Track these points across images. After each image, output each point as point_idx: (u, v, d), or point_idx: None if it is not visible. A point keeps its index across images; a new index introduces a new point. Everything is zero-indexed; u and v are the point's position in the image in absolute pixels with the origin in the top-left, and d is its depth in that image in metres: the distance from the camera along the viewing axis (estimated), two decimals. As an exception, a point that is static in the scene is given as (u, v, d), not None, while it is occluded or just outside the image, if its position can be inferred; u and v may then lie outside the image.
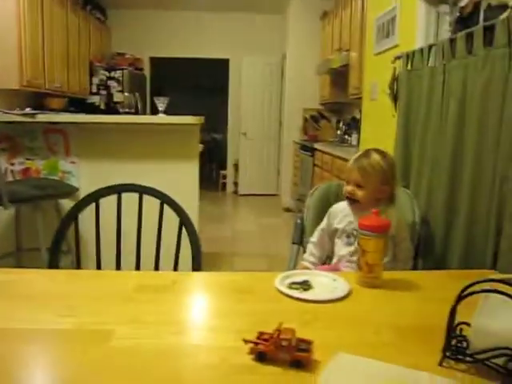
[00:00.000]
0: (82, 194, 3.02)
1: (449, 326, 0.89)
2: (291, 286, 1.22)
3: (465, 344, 0.89)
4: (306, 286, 1.23)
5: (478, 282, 0.90)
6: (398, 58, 2.59)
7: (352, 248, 1.71)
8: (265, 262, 4.22)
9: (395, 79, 2.62)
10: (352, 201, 1.72)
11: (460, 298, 0.89)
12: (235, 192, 7.93)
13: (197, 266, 1.53)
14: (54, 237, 1.59)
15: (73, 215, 1.62)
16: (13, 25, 4.16)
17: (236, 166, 7.88)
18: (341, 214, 1.79)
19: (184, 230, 1.60)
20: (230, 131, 7.93)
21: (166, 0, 6.71)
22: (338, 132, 5.92)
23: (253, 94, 7.51)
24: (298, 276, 1.30)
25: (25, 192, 2.70)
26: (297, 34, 6.64)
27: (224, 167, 8.35)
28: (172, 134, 3.22)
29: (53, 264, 1.57)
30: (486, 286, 0.89)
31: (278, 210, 6.68)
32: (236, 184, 7.94)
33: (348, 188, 1.73)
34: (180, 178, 3.21)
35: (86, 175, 3.21)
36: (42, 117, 3.03)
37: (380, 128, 3.24)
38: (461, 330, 0.91)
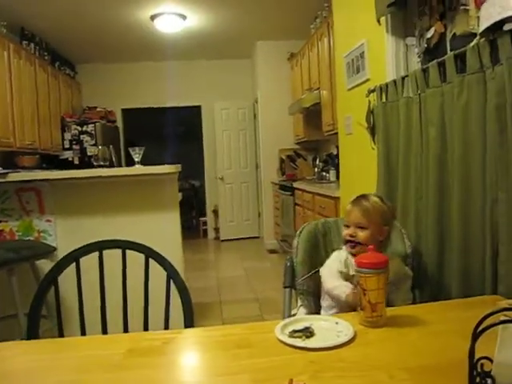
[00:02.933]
0: (60, 253, 2.91)
1: (470, 365, 0.83)
2: (293, 334, 1.14)
3: (489, 381, 0.83)
4: (308, 333, 1.15)
5: (491, 314, 0.84)
6: (372, 91, 2.60)
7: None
8: (256, 307, 4.08)
9: (371, 112, 2.62)
10: (353, 244, 1.64)
11: (477, 334, 0.83)
12: (217, 238, 7.82)
13: (189, 323, 1.44)
14: (33, 302, 1.48)
15: (51, 277, 1.51)
16: (-21, 85, 4.09)
17: (216, 212, 7.80)
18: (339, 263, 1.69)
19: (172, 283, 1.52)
20: (207, 177, 7.89)
21: (134, 52, 6.77)
22: (316, 169, 5.93)
23: (227, 138, 7.52)
24: (298, 323, 1.22)
25: (-2, 256, 2.57)
26: (266, 77, 6.73)
27: (204, 214, 8.26)
28: (150, 185, 3.14)
29: (32, 333, 1.45)
30: (500, 316, 0.84)
31: (262, 253, 6.58)
32: (217, 230, 7.84)
33: (349, 231, 1.66)
34: (162, 229, 3.12)
35: (63, 233, 3.09)
36: (14, 175, 2.92)
37: (359, 161, 3.23)
38: (482, 365, 0.84)
